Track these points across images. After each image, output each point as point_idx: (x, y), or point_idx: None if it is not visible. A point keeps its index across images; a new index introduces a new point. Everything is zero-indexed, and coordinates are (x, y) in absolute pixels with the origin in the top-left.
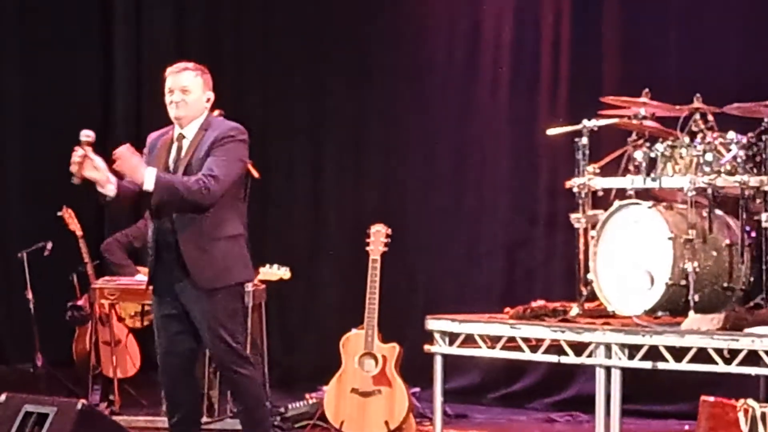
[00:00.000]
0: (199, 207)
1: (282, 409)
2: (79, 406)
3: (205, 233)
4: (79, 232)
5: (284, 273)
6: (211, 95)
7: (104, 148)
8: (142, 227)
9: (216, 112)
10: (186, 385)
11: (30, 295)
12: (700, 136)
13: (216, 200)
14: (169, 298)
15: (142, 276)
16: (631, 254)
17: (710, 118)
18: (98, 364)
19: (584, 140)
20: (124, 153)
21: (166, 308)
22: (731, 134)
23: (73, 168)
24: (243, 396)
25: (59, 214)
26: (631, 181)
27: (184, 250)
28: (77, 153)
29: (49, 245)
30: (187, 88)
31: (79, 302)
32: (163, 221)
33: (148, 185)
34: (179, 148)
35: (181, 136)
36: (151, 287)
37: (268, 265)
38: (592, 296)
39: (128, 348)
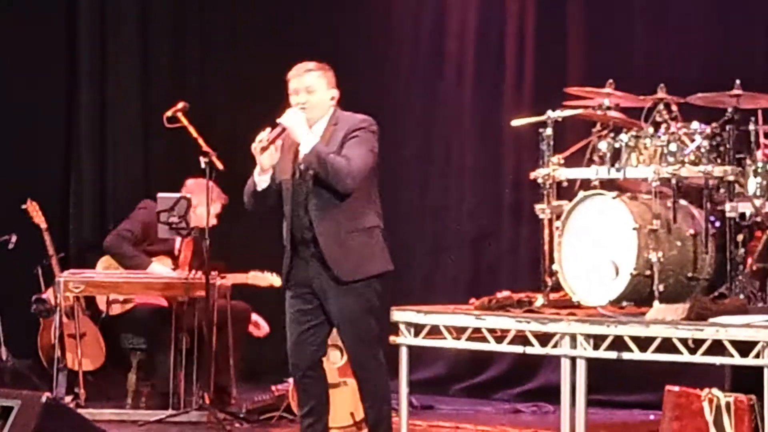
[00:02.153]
0: (336, 189)
1: (248, 402)
2: (43, 399)
3: (343, 226)
4: (43, 225)
5: (275, 279)
6: (336, 93)
7: (69, 139)
8: (141, 218)
9: (180, 104)
10: (316, 377)
11: None
12: (664, 126)
13: (353, 188)
14: (305, 293)
15: (158, 265)
16: (596, 245)
17: (674, 108)
18: (63, 357)
19: (549, 131)
20: (297, 112)
21: (301, 303)
22: (695, 124)
23: (259, 145)
24: (370, 392)
25: (23, 207)
26: (595, 172)
27: (322, 244)
28: (268, 135)
29: (14, 238)
30: (312, 88)
31: (44, 295)
32: (301, 217)
33: (305, 148)
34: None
35: None
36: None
37: (259, 271)
38: (557, 287)
39: (93, 341)
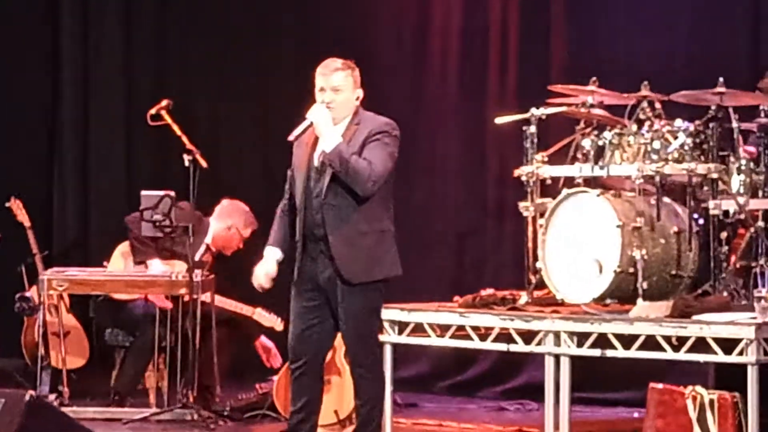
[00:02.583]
0: (355, 191)
1: (232, 400)
2: (27, 397)
3: (355, 228)
4: (27, 223)
5: (277, 323)
6: (361, 92)
7: (52, 137)
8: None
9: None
10: (313, 375)
11: None
12: (647, 123)
13: (373, 192)
14: (311, 290)
15: (157, 262)
16: (580, 242)
17: (658, 105)
18: (47, 355)
19: (532, 129)
20: (323, 108)
21: (307, 300)
22: (679, 122)
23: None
24: (365, 392)
25: (7, 205)
26: (579, 170)
27: (332, 243)
28: (298, 130)
29: None
30: (339, 88)
31: (28, 293)
32: (313, 213)
33: (328, 146)
34: None
35: None
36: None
37: (265, 311)
38: (541, 284)
39: (77, 339)
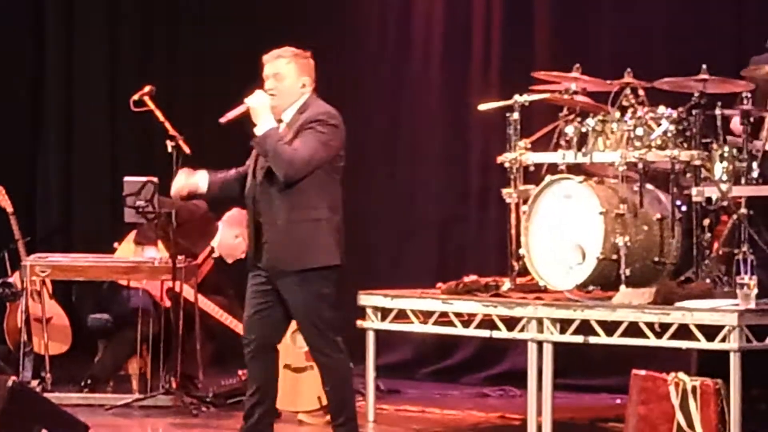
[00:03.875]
0: (280, 175)
1: (214, 386)
2: (10, 383)
3: (287, 216)
4: (9, 209)
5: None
6: (307, 80)
7: (35, 123)
8: (191, 208)
9: (147, 88)
10: (263, 360)
11: None
12: (630, 110)
13: (293, 178)
14: (260, 275)
15: (153, 250)
16: (563, 229)
17: (641, 92)
18: (29, 341)
19: (515, 115)
20: (262, 95)
21: (257, 284)
22: (662, 109)
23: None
24: (330, 378)
25: None
26: (562, 156)
27: (265, 231)
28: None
29: None
30: (281, 75)
31: (10, 279)
32: (256, 201)
33: (259, 129)
34: None
35: (279, 121)
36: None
37: None
38: (524, 271)
39: (59, 325)
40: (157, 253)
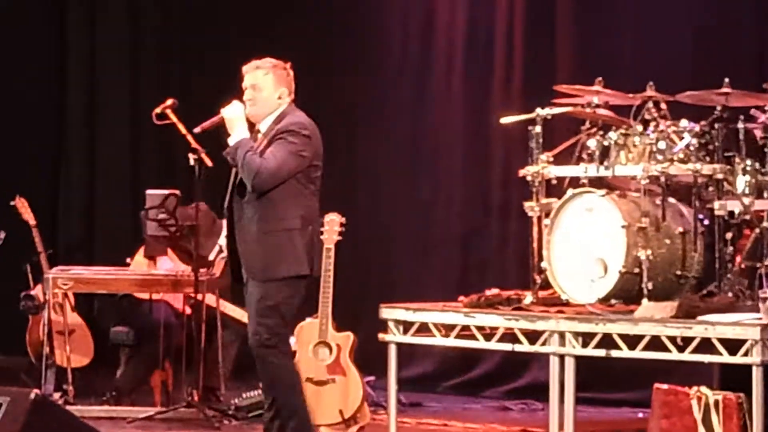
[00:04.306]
0: (248, 185)
1: (236, 399)
2: (32, 395)
3: (258, 226)
4: (32, 222)
5: None
6: (285, 91)
7: (58, 136)
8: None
9: (169, 101)
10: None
11: None
12: (653, 124)
13: (260, 188)
14: (244, 283)
15: (166, 260)
16: (585, 242)
17: (663, 106)
18: (52, 354)
19: (538, 129)
20: (238, 106)
21: (244, 292)
22: (684, 122)
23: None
24: (272, 388)
25: (12, 203)
26: (584, 170)
27: (238, 242)
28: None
29: (2, 235)
30: (258, 86)
31: (33, 292)
32: (231, 212)
33: (232, 140)
34: (255, 142)
35: (257, 131)
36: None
37: None
38: (546, 284)
39: (82, 337)
40: (170, 263)
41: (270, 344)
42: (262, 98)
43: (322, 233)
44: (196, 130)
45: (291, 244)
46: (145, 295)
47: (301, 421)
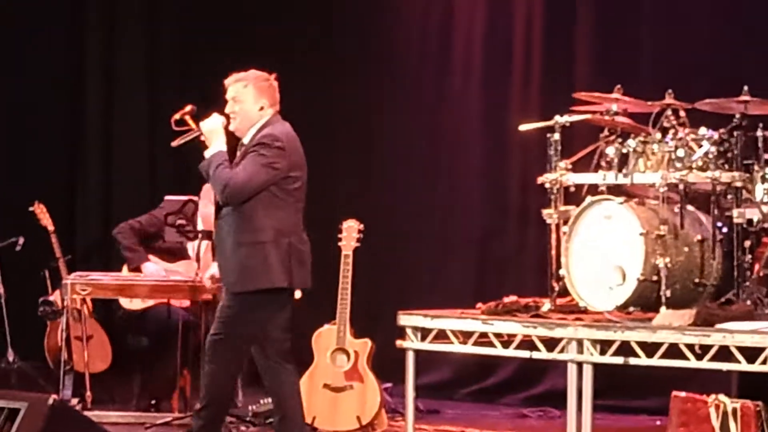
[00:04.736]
0: (219, 198)
1: (253, 405)
2: (50, 401)
3: (234, 238)
4: (50, 228)
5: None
6: (266, 102)
7: (75, 142)
8: (159, 216)
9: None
10: (274, 376)
11: (1, 290)
12: (671, 131)
13: (234, 201)
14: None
15: (151, 265)
16: (603, 250)
17: (682, 113)
18: (70, 360)
19: (556, 136)
20: (217, 119)
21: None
22: (703, 130)
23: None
24: (210, 393)
25: (31, 209)
26: (603, 177)
27: (216, 254)
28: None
29: (21, 240)
30: (238, 98)
31: (51, 297)
32: (215, 225)
33: (207, 153)
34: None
35: (242, 145)
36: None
37: None
38: (564, 292)
39: (100, 343)
40: (155, 265)
41: (230, 358)
42: (243, 110)
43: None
44: (174, 144)
45: (262, 256)
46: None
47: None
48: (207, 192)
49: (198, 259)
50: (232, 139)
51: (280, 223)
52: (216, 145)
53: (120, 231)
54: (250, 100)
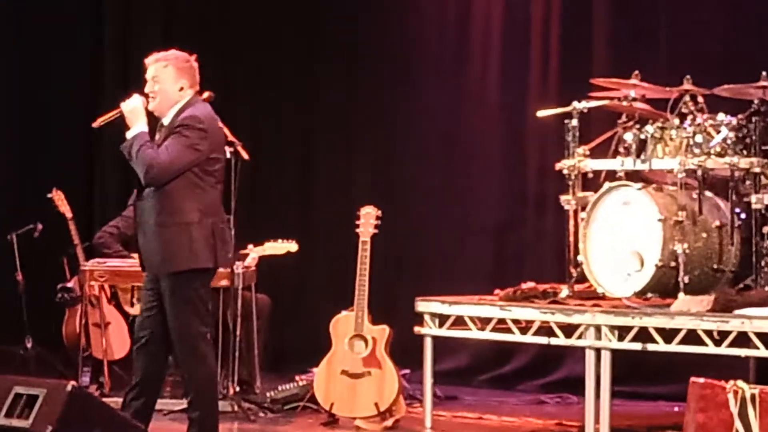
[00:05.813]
0: (141, 178)
1: (272, 392)
2: (69, 387)
3: (157, 219)
4: (68, 214)
5: (291, 246)
6: (186, 83)
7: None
8: (129, 215)
9: (206, 94)
10: (148, 355)
11: (20, 277)
12: (690, 117)
13: (158, 181)
14: (147, 274)
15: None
16: (621, 236)
17: (700, 99)
18: (88, 346)
19: (574, 122)
20: (137, 99)
21: (148, 281)
22: (721, 116)
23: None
24: (191, 386)
25: (49, 196)
26: (621, 163)
27: (139, 235)
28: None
29: (39, 227)
30: (156, 79)
31: (69, 284)
32: (135, 207)
33: (129, 134)
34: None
35: (161, 125)
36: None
37: (272, 240)
38: (582, 278)
39: (118, 330)
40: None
41: (192, 343)
42: (162, 90)
43: (227, 225)
44: (95, 124)
45: (188, 237)
46: None
47: (213, 414)
48: None
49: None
50: (151, 120)
51: (203, 204)
52: (138, 125)
53: (101, 242)
54: (170, 81)
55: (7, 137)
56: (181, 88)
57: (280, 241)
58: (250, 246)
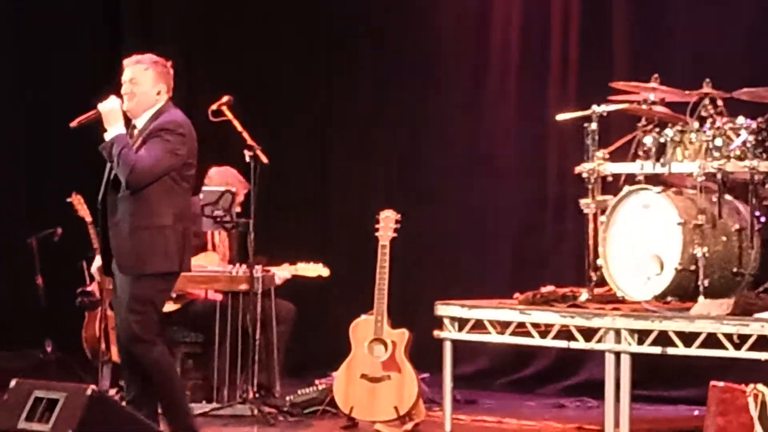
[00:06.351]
0: (123, 181)
1: (292, 396)
2: (89, 391)
3: (130, 221)
4: (88, 218)
5: (323, 270)
6: (164, 87)
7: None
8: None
9: (225, 98)
10: (133, 374)
11: (40, 281)
12: (709, 121)
13: (135, 184)
14: (113, 278)
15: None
16: (641, 240)
17: (720, 103)
18: (108, 350)
19: (594, 125)
20: (114, 101)
21: (114, 286)
22: (741, 119)
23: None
24: (156, 386)
25: (68, 200)
26: (640, 167)
27: (111, 237)
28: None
29: (59, 231)
30: (136, 80)
31: (89, 288)
32: (105, 207)
33: (108, 135)
34: (131, 138)
35: (133, 127)
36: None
37: (305, 262)
38: (602, 282)
39: None
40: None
41: (145, 338)
42: (140, 93)
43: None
44: (72, 124)
45: (163, 240)
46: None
47: (181, 410)
48: (222, 178)
49: (230, 249)
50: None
51: (178, 209)
52: (116, 127)
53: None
54: (148, 84)
55: (26, 141)
56: (159, 93)
57: (311, 264)
58: (285, 264)
